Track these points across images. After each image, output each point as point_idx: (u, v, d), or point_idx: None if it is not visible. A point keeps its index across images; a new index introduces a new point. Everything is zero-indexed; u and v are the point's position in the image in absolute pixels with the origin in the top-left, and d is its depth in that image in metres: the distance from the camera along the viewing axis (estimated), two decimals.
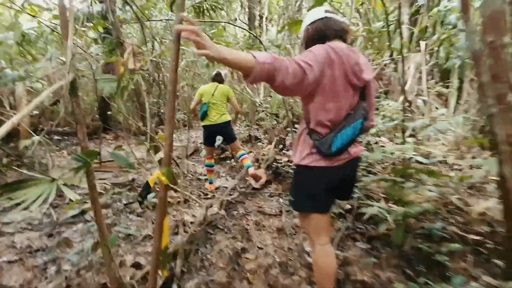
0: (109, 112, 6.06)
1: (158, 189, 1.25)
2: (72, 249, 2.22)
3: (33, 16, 4.14)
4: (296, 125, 4.41)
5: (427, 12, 5.24)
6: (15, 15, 4.91)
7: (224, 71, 4.03)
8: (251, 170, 3.41)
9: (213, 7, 5.53)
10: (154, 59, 7.24)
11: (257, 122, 6.59)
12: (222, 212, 2.78)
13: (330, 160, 1.32)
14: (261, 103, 6.38)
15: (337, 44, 1.26)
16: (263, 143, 5.55)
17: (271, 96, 6.41)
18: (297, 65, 1.11)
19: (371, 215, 2.28)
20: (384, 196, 2.67)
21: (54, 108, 6.54)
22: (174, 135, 1.22)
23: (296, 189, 1.48)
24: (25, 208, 2.95)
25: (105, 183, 3.54)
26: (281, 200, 3.20)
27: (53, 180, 1.26)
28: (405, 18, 5.25)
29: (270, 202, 3.17)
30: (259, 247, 2.27)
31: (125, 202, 3.07)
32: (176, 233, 2.41)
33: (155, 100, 6.73)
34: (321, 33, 1.32)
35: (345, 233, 2.34)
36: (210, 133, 3.47)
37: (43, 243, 2.32)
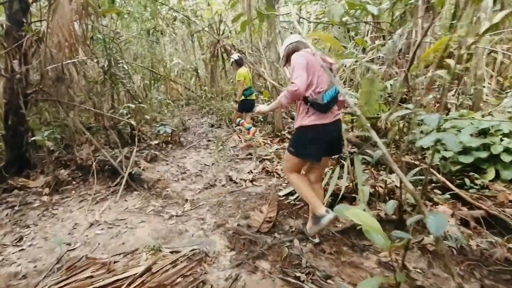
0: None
1: None
2: None
3: None
4: None
5: None
6: None
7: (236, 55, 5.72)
8: (252, 130, 4.14)
9: None
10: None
11: None
12: None
13: (322, 117, 2.01)
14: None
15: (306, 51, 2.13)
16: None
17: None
18: (294, 87, 1.87)
19: None
20: None
21: None
22: None
23: (296, 143, 2.16)
24: None
25: None
26: None
27: None
28: None
29: None
30: None
31: None
32: None
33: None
34: (296, 49, 2.17)
35: None
36: (250, 104, 5.41)
37: None
